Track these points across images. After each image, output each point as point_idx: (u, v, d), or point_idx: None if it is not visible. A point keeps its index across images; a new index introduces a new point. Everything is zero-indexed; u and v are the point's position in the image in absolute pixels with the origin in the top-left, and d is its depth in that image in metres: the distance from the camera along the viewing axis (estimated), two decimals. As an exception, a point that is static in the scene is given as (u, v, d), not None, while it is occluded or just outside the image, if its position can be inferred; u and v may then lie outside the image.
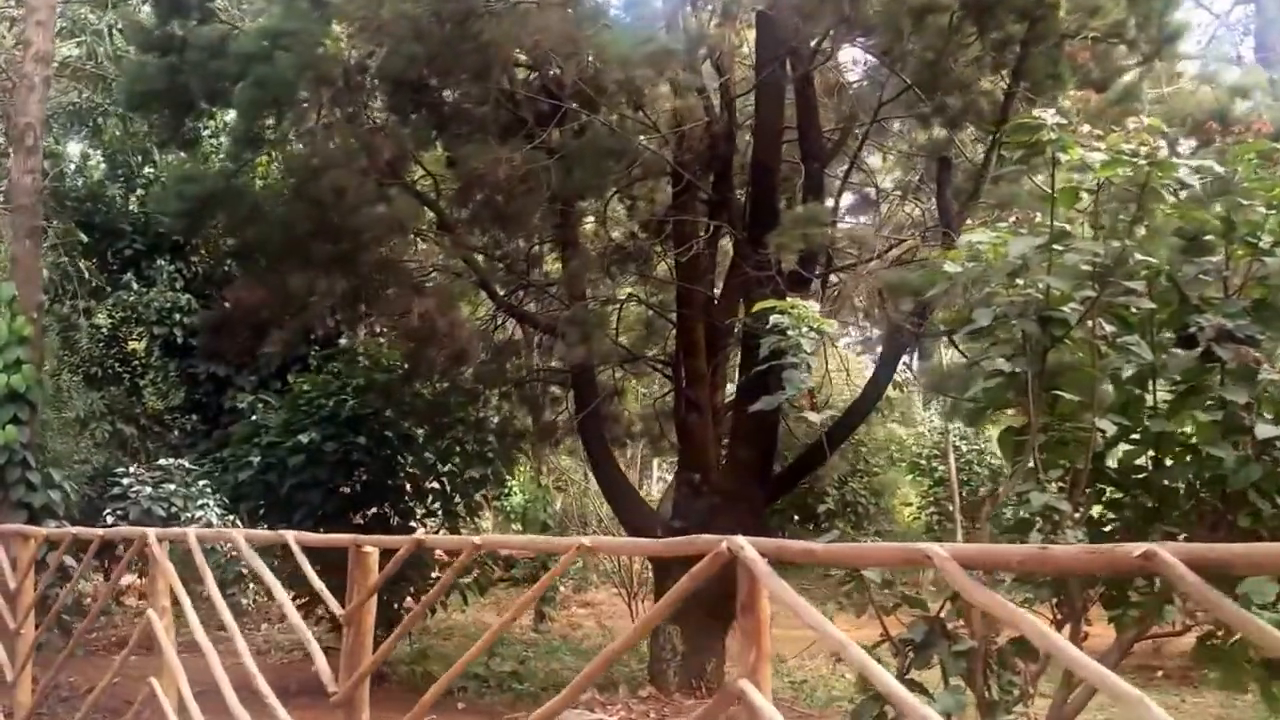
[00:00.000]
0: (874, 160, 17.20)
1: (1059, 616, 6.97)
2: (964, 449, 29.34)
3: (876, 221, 14.33)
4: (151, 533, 9.03)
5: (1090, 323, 6.81)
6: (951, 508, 29.29)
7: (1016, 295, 7.07)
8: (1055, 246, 6.69)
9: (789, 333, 7.99)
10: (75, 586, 12.22)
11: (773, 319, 8.08)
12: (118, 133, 23.29)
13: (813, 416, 9.04)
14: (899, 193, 16.62)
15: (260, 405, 17.74)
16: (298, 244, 14.06)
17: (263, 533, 9.01)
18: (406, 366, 16.25)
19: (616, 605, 22.35)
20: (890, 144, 16.82)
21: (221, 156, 17.11)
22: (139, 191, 23.77)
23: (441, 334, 14.71)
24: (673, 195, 15.75)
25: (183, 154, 18.66)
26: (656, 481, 34.56)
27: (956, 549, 4.41)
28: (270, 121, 14.68)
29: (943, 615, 6.79)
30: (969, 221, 13.33)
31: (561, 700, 5.76)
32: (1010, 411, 7.91)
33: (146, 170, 23.66)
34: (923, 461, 30.89)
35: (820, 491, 27.48)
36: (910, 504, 31.83)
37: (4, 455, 14.11)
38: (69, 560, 12.60)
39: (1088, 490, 7.23)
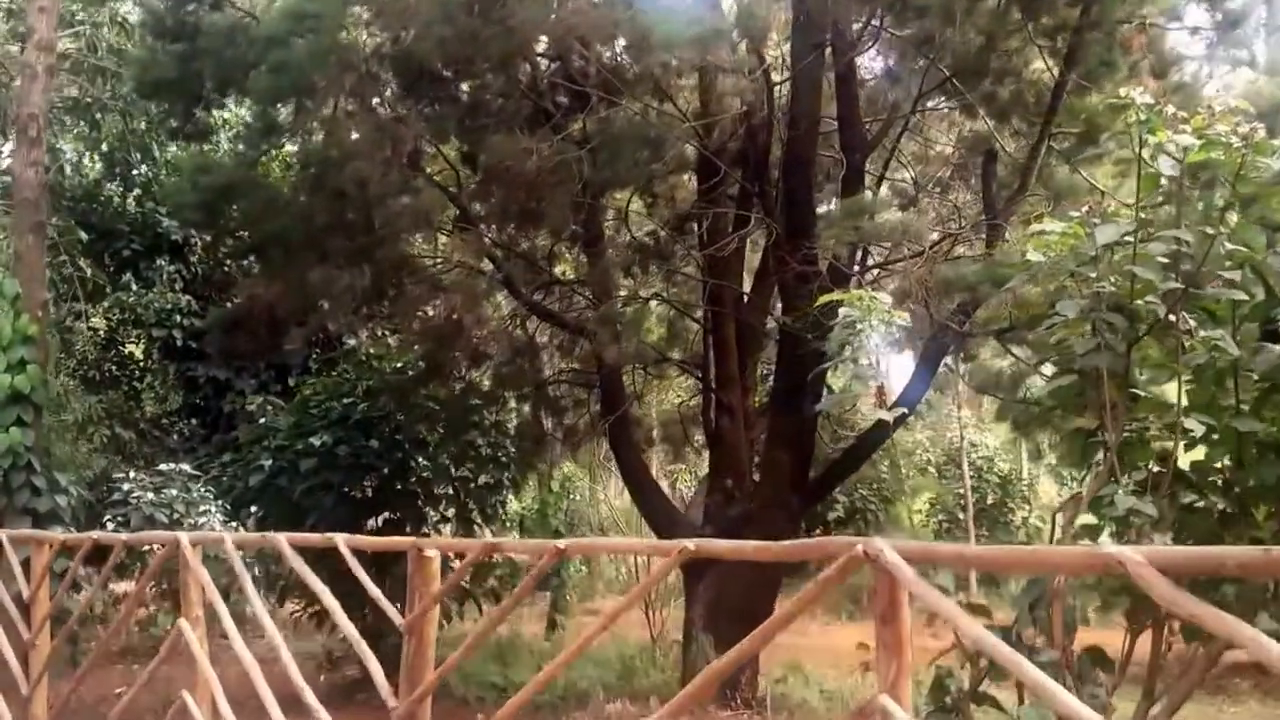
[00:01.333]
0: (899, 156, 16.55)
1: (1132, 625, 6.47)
2: (973, 455, 28.98)
3: (917, 215, 13.63)
4: (184, 537, 8.47)
5: (1174, 316, 6.27)
6: (962, 515, 29.07)
7: (1088, 289, 6.54)
8: (1138, 235, 6.17)
9: (857, 326, 7.46)
10: (97, 595, 11.66)
11: (842, 312, 7.51)
12: (116, 129, 22.64)
13: (884, 415, 8.54)
14: (936, 187, 16.01)
15: (269, 408, 17.17)
16: (317, 238, 13.58)
17: (309, 535, 8.40)
18: (422, 367, 15.72)
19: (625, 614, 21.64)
20: (928, 136, 16.26)
21: (238, 148, 16.45)
22: (136, 191, 23.15)
23: (465, 333, 14.26)
24: (699, 189, 15.30)
25: (192, 147, 18.03)
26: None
27: (1153, 553, 3.85)
28: (288, 110, 14.10)
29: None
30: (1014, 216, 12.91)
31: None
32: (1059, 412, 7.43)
33: (144, 169, 23.06)
34: (930, 468, 30.55)
35: (830, 499, 26.99)
36: (919, 510, 31.33)
37: (8, 459, 13.49)
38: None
39: (1170, 493, 6.71)
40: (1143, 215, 6.37)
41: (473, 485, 16.72)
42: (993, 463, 30.43)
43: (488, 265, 15.33)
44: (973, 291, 11.30)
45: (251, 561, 17.17)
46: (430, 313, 15.66)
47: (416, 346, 15.85)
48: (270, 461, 15.80)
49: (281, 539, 7.70)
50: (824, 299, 8.27)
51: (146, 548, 12.13)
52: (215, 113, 16.79)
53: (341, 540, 7.26)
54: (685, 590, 15.23)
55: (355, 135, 13.16)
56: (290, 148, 16.37)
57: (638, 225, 16.86)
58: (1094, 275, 6.49)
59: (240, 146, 15.95)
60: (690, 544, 5.35)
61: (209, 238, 22.34)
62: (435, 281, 14.92)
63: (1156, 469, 6.59)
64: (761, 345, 16.10)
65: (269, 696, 7.49)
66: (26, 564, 10.72)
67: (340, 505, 15.57)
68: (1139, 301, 6.33)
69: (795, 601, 4.98)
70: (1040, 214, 12.67)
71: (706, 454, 16.92)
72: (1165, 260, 6.24)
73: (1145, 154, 6.29)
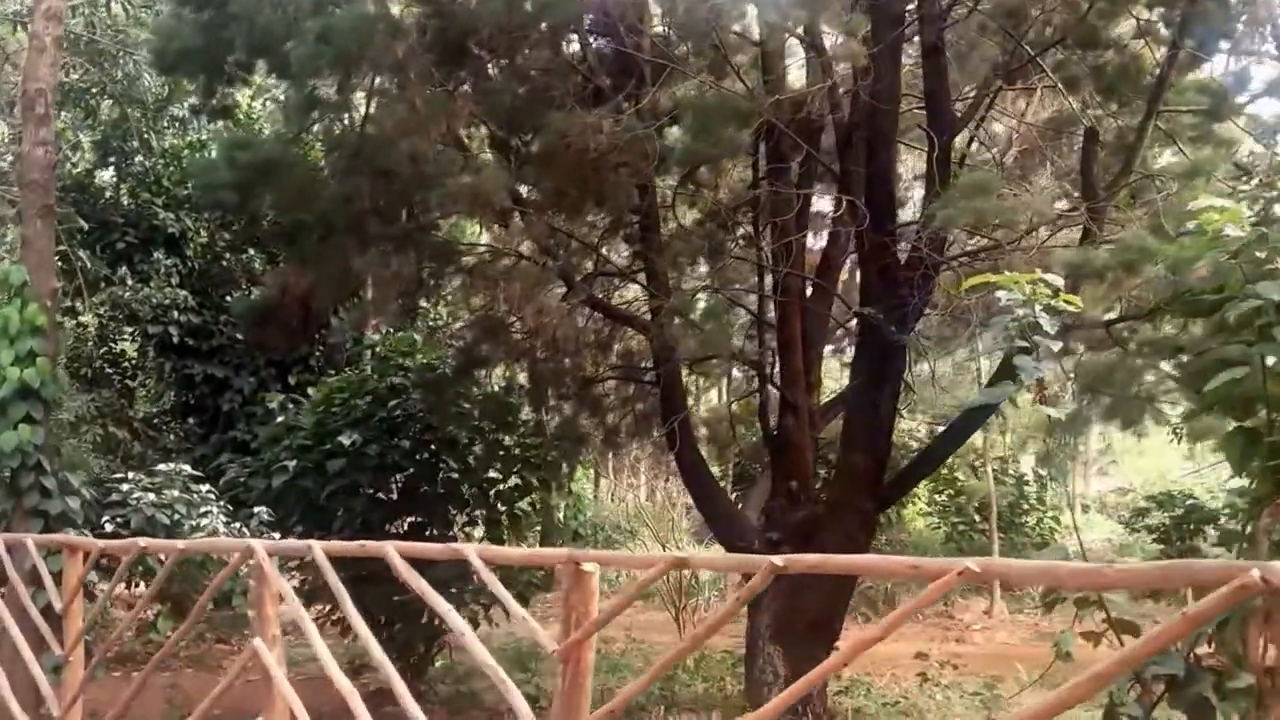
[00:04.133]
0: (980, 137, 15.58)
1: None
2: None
3: (1040, 194, 12.63)
4: (259, 545, 7.48)
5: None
6: (978, 519, 28.32)
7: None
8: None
9: (1019, 312, 6.59)
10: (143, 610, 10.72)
11: (1003, 298, 6.57)
12: (113, 116, 21.74)
13: (1051, 412, 7.59)
14: (1019, 170, 15.03)
15: (290, 406, 16.24)
16: (358, 222, 12.57)
17: (434, 546, 7.47)
18: (454, 364, 14.83)
19: (631, 618, 20.89)
20: (1012, 115, 15.30)
21: (270, 126, 15.47)
22: (130, 181, 22.46)
23: (508, 326, 13.36)
24: (768, 171, 14.31)
25: (218, 125, 17.09)
26: (627, 488, 33.71)
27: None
28: (329, 84, 13.09)
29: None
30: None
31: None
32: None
33: (140, 158, 22.27)
34: (944, 468, 29.75)
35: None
36: (929, 513, 30.56)
37: (16, 458, 12.48)
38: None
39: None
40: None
41: (501, 487, 15.93)
42: (1006, 464, 29.75)
43: (531, 253, 14.34)
44: (1100, 278, 10.38)
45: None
46: (475, 304, 14.82)
47: (455, 340, 14.92)
48: (294, 462, 14.90)
49: (390, 548, 6.71)
50: (970, 282, 7.33)
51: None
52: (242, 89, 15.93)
53: (470, 551, 6.31)
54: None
55: (406, 110, 12.06)
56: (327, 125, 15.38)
57: (689, 212, 15.92)
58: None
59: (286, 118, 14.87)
60: (972, 564, 4.43)
61: (211, 227, 21.83)
62: (483, 270, 13.95)
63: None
64: (826, 339, 15.19)
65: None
66: (34, 569, 10.11)
67: (371, 509, 14.88)
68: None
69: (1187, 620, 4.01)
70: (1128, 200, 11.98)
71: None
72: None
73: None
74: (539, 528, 24.90)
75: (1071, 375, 12.48)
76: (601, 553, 6.34)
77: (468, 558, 6.22)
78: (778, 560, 4.74)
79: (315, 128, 14.33)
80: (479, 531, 16.20)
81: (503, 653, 16.43)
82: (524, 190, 13.57)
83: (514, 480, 15.87)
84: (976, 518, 28.64)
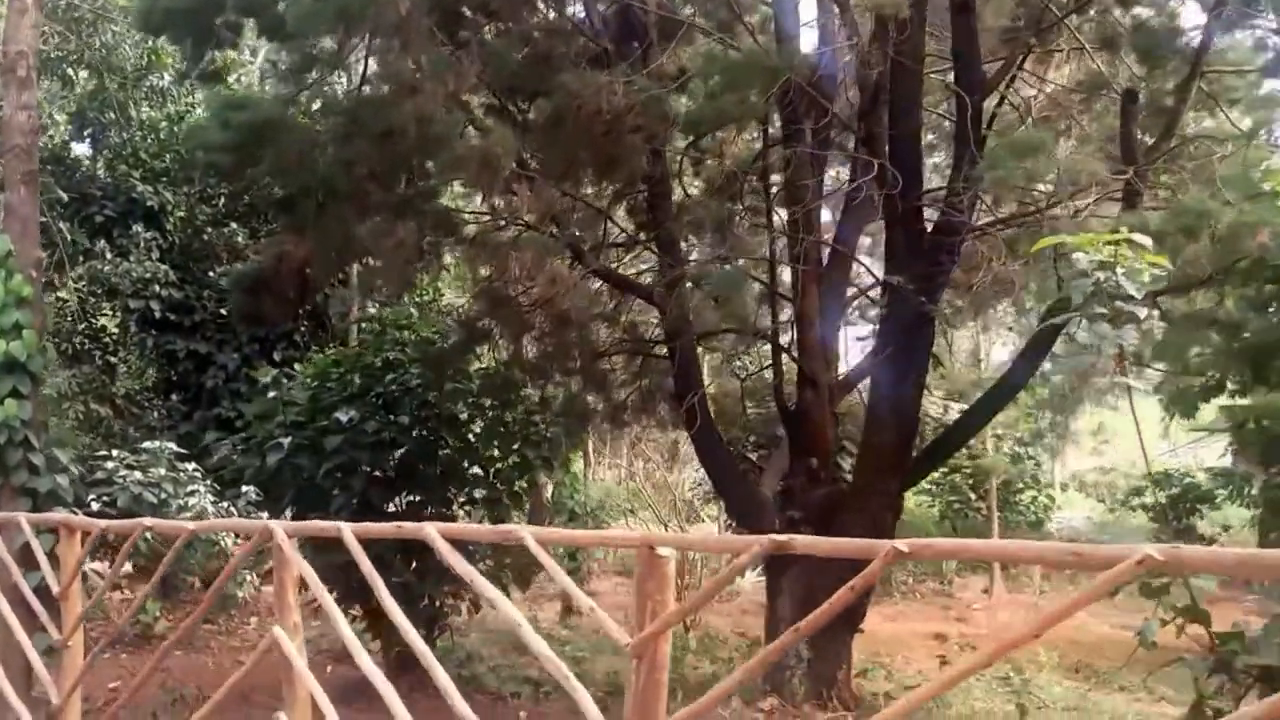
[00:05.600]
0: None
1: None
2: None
3: (1093, 155, 12.08)
4: (278, 526, 6.93)
5: None
6: (974, 497, 27.96)
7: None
8: None
9: (1098, 276, 6.14)
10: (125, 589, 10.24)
11: (1080, 260, 6.23)
12: (89, 86, 21.27)
13: (1136, 384, 7.07)
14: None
15: (284, 381, 15.71)
16: (360, 187, 12.02)
17: (484, 528, 6.94)
18: (454, 338, 14.34)
19: (618, 596, 21.08)
20: (1042, 77, 14.76)
21: (267, 87, 14.90)
22: (107, 153, 22.14)
23: (514, 298, 12.86)
24: (783, 135, 13.83)
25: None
26: (608, 467, 33.38)
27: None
28: (326, 44, 12.54)
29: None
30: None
31: None
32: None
33: (115, 130, 21.88)
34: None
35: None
36: (922, 491, 30.12)
37: (3, 434, 11.90)
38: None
39: None
40: None
41: (502, 465, 15.42)
42: (1002, 441, 29.34)
43: (537, 221, 13.80)
44: (1159, 243, 9.89)
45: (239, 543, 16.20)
46: (478, 276, 14.31)
47: (448, 315, 14.39)
48: (289, 439, 14.36)
49: (435, 533, 6.17)
50: (1046, 242, 6.85)
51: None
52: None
53: (528, 533, 5.76)
54: (767, 582, 13.87)
55: (411, 70, 11.50)
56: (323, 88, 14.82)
57: (693, 181, 15.38)
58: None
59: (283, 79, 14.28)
60: (1154, 550, 3.84)
61: (191, 201, 21.46)
62: (486, 240, 13.42)
63: None
64: (843, 311, 14.69)
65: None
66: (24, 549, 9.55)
67: (370, 487, 14.31)
68: None
69: None
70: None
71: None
72: None
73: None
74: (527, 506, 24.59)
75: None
76: (676, 535, 5.65)
77: (523, 539, 5.65)
78: (901, 545, 4.15)
79: (307, 92, 13.75)
80: (479, 511, 15.66)
81: (500, 634, 16.05)
82: (529, 157, 13.04)
83: (513, 458, 15.32)
84: (972, 495, 28.22)
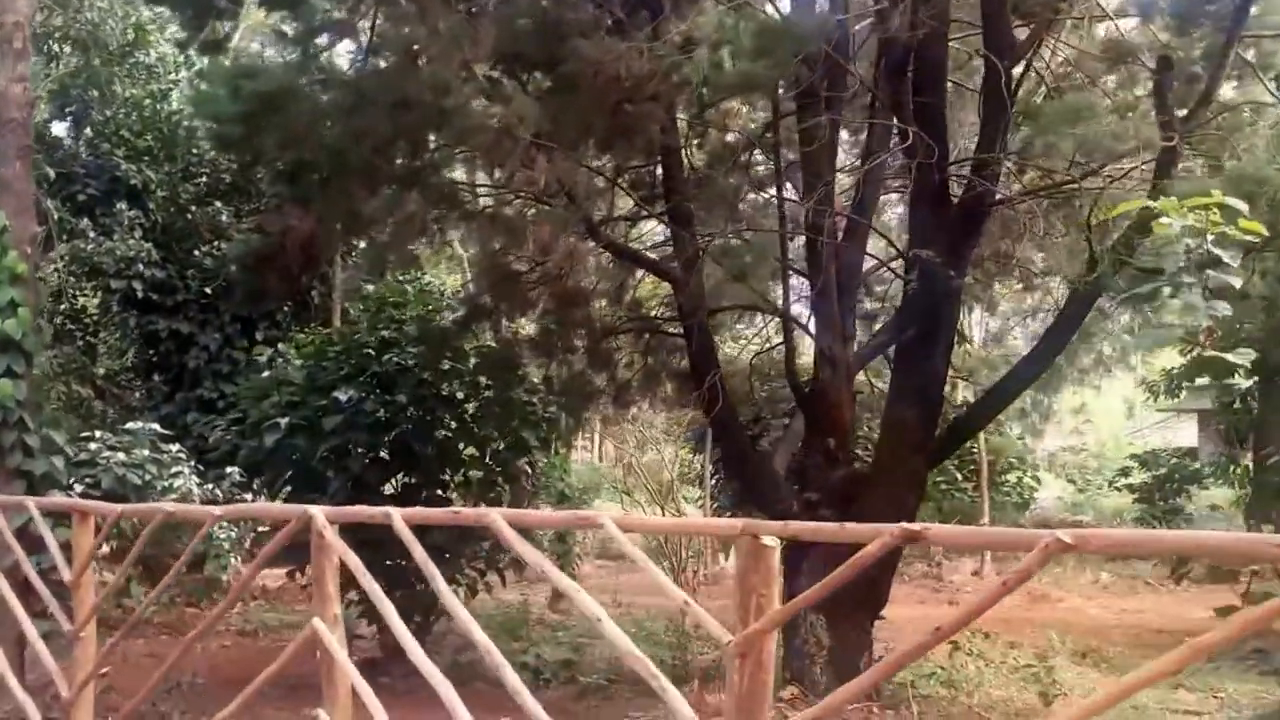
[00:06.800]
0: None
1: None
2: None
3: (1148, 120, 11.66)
4: (318, 511, 6.56)
5: None
6: (960, 478, 27.73)
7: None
8: None
9: (1187, 243, 5.87)
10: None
11: (1172, 224, 5.91)
12: (73, 63, 20.99)
13: (1234, 359, 6.68)
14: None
15: (280, 359, 15.39)
16: (370, 158, 11.64)
17: (556, 515, 6.58)
18: (465, 313, 14.02)
19: (604, 580, 21.22)
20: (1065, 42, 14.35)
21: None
22: (89, 132, 22.13)
23: (519, 274, 12.53)
24: (773, 107, 13.59)
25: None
26: (578, 450, 33.30)
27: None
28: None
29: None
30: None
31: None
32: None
33: (99, 110, 21.74)
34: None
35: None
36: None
37: (-2, 414, 11.56)
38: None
39: None
40: None
41: (497, 446, 15.21)
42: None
43: (547, 194, 13.39)
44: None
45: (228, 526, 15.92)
46: (483, 250, 13.97)
47: (455, 292, 14.06)
48: (285, 420, 14.07)
49: (501, 520, 5.81)
50: (1126, 206, 6.53)
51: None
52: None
53: (606, 519, 5.39)
54: (785, 566, 13.52)
55: (427, 35, 11.10)
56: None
57: (697, 152, 15.00)
58: None
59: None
60: None
61: (174, 179, 21.20)
62: (494, 213, 13.07)
63: None
64: (859, 286, 14.32)
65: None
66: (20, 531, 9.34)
67: (369, 469, 14.13)
68: None
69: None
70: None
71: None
72: None
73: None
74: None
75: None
76: (780, 523, 5.14)
77: (604, 525, 5.27)
78: (1065, 536, 3.77)
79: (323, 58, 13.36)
80: (473, 493, 15.36)
81: (491, 619, 15.79)
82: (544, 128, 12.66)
83: (509, 439, 15.06)
84: (958, 476, 27.96)
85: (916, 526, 4.16)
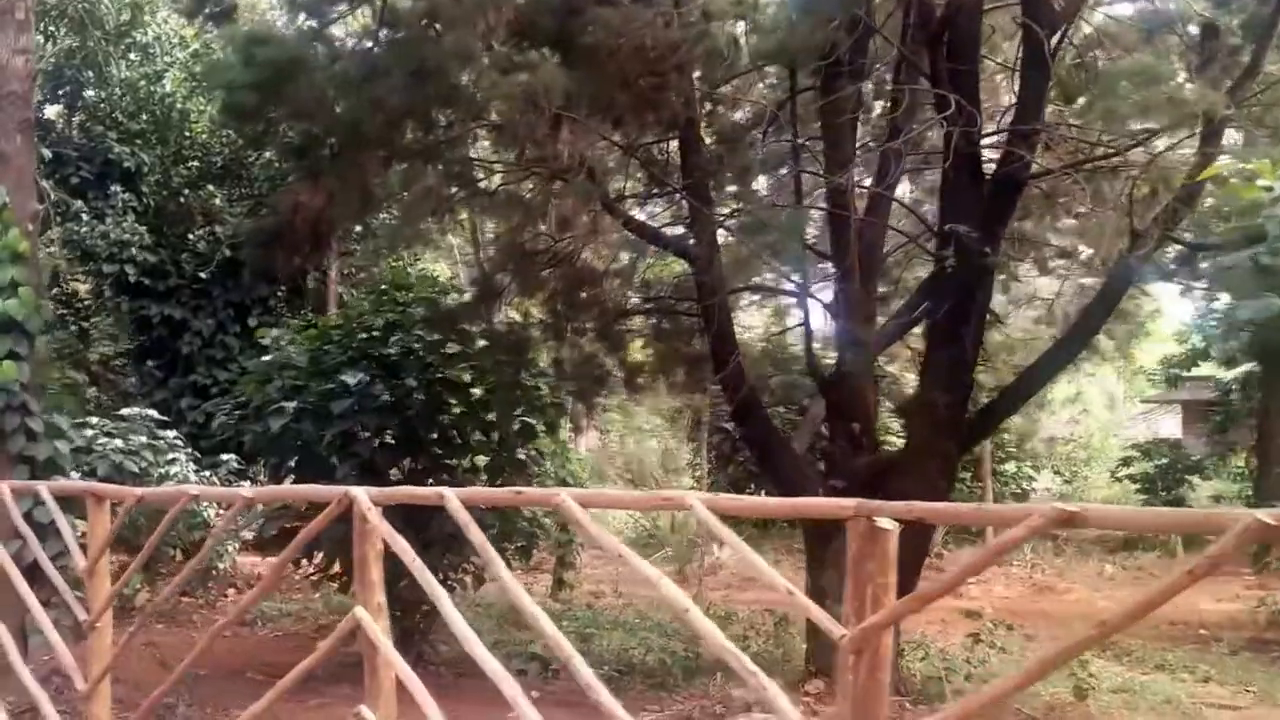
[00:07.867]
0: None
1: None
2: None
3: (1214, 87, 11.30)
4: (360, 493, 6.19)
5: None
6: (963, 471, 27.45)
7: None
8: None
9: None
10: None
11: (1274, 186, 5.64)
12: (67, 43, 20.69)
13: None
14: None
15: (285, 342, 15.03)
16: (387, 130, 11.29)
17: (644, 495, 6.21)
18: (477, 294, 13.74)
19: (596, 570, 21.23)
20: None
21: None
22: (81, 115, 22.15)
23: (532, 254, 12.21)
24: (790, 77, 13.26)
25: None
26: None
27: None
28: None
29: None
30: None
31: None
32: None
33: (92, 91, 21.59)
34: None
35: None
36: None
37: (0, 398, 11.15)
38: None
39: None
40: None
41: (506, 431, 14.79)
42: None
43: (566, 169, 13.02)
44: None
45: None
46: (499, 227, 13.64)
47: (473, 268, 13.72)
48: (293, 404, 13.71)
49: (571, 501, 5.45)
50: (1213, 170, 6.20)
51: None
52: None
53: (694, 500, 5.03)
54: (808, 553, 13.23)
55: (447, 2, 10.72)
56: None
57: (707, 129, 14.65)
58: None
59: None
60: None
61: (165, 163, 20.91)
62: (510, 189, 12.72)
63: None
64: (881, 262, 13.97)
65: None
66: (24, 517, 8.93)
67: (378, 454, 13.74)
68: None
69: None
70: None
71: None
72: None
73: None
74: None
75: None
76: (904, 504, 4.61)
77: (692, 507, 4.88)
78: (1265, 517, 3.41)
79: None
80: (480, 478, 15.04)
81: (491, 610, 15.52)
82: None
83: (518, 424, 14.71)
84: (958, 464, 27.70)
85: (1073, 507, 3.77)
